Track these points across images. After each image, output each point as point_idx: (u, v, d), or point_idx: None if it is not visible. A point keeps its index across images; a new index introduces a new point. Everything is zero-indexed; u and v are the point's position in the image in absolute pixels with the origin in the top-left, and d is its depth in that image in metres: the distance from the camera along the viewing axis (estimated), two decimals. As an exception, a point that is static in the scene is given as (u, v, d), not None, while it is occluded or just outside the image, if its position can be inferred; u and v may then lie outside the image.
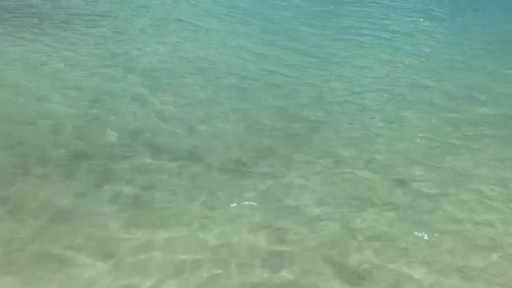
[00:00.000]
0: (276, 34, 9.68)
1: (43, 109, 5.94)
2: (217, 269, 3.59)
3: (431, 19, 11.38)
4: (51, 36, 8.59)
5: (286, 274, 3.58)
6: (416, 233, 4.10)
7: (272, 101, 6.65)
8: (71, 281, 3.41)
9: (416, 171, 5.06)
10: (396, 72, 8.05)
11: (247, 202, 4.41)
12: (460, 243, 4.02)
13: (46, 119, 5.68)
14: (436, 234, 4.10)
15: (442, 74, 8.10)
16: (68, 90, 6.49)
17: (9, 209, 4.09)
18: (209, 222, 4.12)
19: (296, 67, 7.95)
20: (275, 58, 8.33)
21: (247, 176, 4.81)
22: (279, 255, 3.79)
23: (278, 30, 9.94)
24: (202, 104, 6.40)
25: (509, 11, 12.40)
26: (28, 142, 5.19)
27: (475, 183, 4.89)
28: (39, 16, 9.60)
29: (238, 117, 6.09)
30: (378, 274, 3.64)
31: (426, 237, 4.05)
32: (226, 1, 11.65)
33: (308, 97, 6.82)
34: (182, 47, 8.52)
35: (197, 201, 4.39)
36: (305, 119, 6.14)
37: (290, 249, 3.86)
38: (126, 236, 3.87)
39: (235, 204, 4.37)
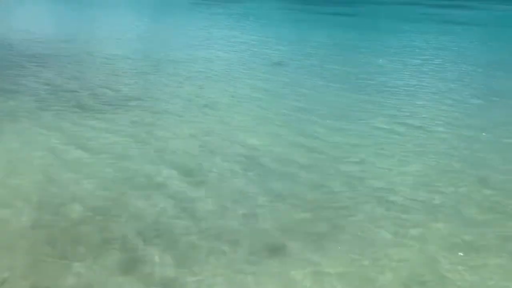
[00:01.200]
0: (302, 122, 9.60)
1: (71, 196, 5.91)
2: None
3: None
4: (80, 121, 8.69)
5: None
6: None
7: (305, 189, 6.49)
8: None
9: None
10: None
11: None
12: None
13: (73, 205, 5.67)
14: None
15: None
16: (95, 178, 6.47)
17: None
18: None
19: (327, 155, 7.63)
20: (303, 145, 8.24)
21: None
22: None
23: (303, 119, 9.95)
24: (240, 199, 6.07)
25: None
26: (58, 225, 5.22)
27: None
28: (65, 99, 9.80)
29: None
30: None
31: None
32: (259, 85, 11.75)
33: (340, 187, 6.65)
34: (213, 133, 8.39)
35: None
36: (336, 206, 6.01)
37: None
38: None
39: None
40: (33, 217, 5.40)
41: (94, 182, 6.27)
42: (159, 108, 9.59)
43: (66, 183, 6.24)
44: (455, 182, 6.44)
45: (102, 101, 9.86)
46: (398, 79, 12.50)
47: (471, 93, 11.24)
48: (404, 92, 11.14)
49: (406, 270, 4.69)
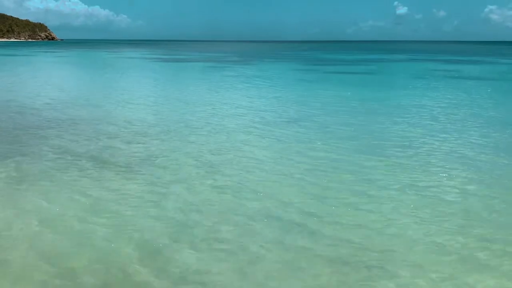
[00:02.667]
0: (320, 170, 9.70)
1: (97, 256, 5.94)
2: None
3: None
4: (99, 182, 8.80)
5: None
6: None
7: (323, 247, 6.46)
8: None
9: None
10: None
11: None
12: None
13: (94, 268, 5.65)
14: None
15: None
16: (114, 238, 6.54)
17: None
18: None
19: (342, 212, 7.50)
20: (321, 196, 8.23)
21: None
22: None
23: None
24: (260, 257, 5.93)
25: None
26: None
27: None
28: (84, 161, 10.06)
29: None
30: None
31: None
32: (274, 143, 11.82)
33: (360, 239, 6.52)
34: (230, 190, 8.35)
35: None
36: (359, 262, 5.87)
37: None
38: None
39: None
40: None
41: (112, 242, 6.26)
42: (176, 168, 9.70)
43: (86, 244, 6.24)
44: (477, 249, 6.22)
45: (119, 163, 10.02)
46: (411, 138, 12.43)
47: (487, 151, 11.12)
48: (419, 151, 11.01)
49: None
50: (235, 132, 13.09)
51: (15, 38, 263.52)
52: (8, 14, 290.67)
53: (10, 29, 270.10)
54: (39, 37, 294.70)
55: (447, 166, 9.75)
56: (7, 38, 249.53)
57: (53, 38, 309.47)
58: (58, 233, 6.57)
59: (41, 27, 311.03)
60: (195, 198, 7.95)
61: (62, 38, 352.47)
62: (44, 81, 29.22)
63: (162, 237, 6.46)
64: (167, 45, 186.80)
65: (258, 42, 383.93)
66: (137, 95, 22.11)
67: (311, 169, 9.53)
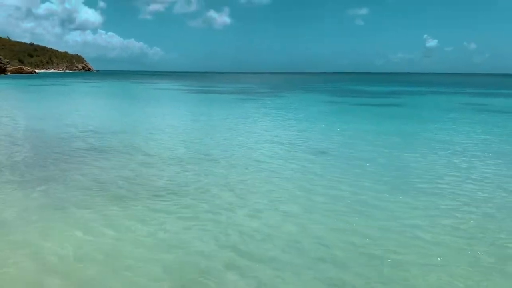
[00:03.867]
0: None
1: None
2: None
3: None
4: (128, 208, 9.30)
5: None
6: None
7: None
8: None
9: None
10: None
11: None
12: None
13: None
14: None
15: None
16: (153, 267, 6.83)
17: None
18: None
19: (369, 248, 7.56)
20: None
21: None
22: None
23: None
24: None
25: None
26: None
27: None
28: (118, 188, 10.43)
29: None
30: None
31: None
32: (303, 175, 12.11)
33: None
34: (259, 220, 8.55)
35: None
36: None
37: None
38: None
39: None
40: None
41: (152, 271, 6.56)
42: (206, 197, 9.96)
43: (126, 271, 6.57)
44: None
45: (153, 190, 10.39)
46: (440, 174, 12.22)
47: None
48: (445, 188, 10.84)
49: None
50: (263, 162, 13.37)
51: (54, 69, 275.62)
52: (49, 46, 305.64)
53: (49, 60, 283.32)
54: (76, 68, 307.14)
55: (473, 205, 9.54)
56: (46, 69, 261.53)
57: (89, 69, 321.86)
58: (91, 261, 6.78)
59: (78, 58, 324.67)
60: (227, 226, 8.16)
61: (98, 69, 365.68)
62: (78, 110, 30.56)
63: (201, 264, 6.68)
64: (198, 77, 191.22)
65: (287, 74, 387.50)
66: (168, 125, 22.87)
67: (336, 202, 9.60)
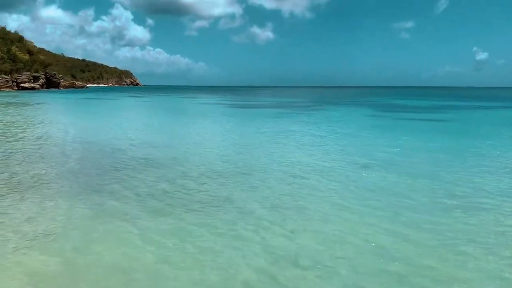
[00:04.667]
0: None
1: None
2: None
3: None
4: (174, 221, 9.44)
5: None
6: None
7: None
8: None
9: None
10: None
11: None
12: None
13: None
14: None
15: None
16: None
17: None
18: None
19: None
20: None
21: None
22: None
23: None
24: None
25: None
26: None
27: None
28: (167, 200, 10.58)
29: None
30: None
31: None
32: (348, 189, 12.08)
33: None
34: (304, 235, 8.44)
35: None
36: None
37: None
38: None
39: None
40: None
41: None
42: (251, 211, 9.88)
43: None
44: None
45: (194, 204, 10.42)
46: (492, 192, 11.58)
47: None
48: (504, 210, 10.21)
49: None
50: (305, 178, 13.17)
51: (104, 84, 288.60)
52: (99, 62, 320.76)
53: (100, 75, 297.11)
54: (124, 82, 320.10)
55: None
56: (97, 83, 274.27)
57: (137, 84, 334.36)
58: (131, 274, 6.86)
59: (127, 74, 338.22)
60: (272, 242, 8.04)
61: (145, 84, 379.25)
62: (126, 123, 31.58)
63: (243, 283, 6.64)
64: (239, 91, 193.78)
65: (329, 88, 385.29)
66: (210, 138, 23.16)
67: (386, 218, 9.30)
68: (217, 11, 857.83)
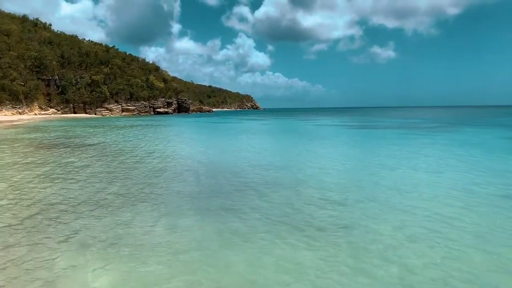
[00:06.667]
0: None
1: None
2: None
3: None
4: (295, 244, 9.44)
5: None
6: None
7: None
8: None
9: None
10: None
11: None
12: None
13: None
14: None
15: None
16: None
17: None
18: None
19: None
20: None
21: None
22: None
23: None
24: None
25: None
26: None
27: None
28: (280, 223, 10.59)
29: None
30: None
31: None
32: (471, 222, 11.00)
33: None
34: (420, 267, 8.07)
35: None
36: None
37: None
38: None
39: None
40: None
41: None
42: (376, 237, 9.51)
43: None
44: None
45: (314, 227, 10.32)
46: None
47: None
48: None
49: None
50: (435, 208, 12.11)
51: (227, 108, 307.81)
52: (224, 88, 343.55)
53: (224, 100, 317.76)
54: (245, 106, 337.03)
55: None
56: (221, 108, 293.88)
57: (257, 107, 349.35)
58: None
59: (248, 98, 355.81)
60: (398, 269, 7.67)
61: (264, 107, 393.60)
62: (249, 145, 32.74)
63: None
64: (358, 112, 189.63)
65: (456, 107, 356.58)
66: (332, 161, 22.80)
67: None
68: (336, 34, 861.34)
